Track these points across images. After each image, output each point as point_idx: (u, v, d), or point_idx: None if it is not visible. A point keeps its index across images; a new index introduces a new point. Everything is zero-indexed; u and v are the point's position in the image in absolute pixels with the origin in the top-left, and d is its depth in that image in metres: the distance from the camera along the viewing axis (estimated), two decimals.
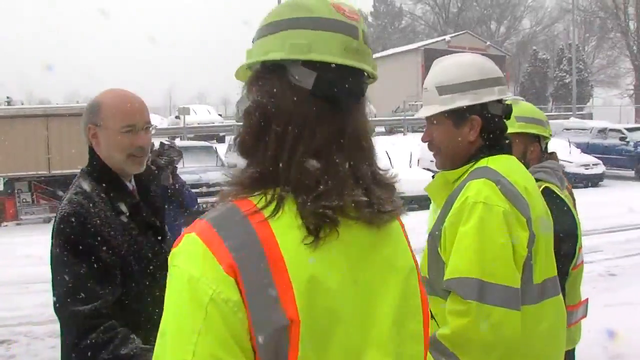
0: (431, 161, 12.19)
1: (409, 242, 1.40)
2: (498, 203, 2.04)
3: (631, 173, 23.71)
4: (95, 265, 2.06)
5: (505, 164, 2.18)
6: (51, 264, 2.15)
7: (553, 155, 3.13)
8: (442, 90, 2.23)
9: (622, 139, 24.04)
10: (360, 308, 1.22)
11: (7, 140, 15.18)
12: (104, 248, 2.09)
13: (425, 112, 2.29)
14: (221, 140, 30.55)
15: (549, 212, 2.30)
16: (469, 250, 2.03)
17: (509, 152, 2.27)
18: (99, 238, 2.09)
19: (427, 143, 2.31)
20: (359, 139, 1.27)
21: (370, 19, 79.72)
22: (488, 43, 57.99)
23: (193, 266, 1.13)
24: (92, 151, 2.31)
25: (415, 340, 1.33)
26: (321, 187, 1.18)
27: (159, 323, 1.18)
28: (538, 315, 2.12)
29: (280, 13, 1.29)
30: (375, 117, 39.11)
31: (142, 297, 2.17)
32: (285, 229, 1.16)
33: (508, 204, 2.05)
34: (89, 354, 2.02)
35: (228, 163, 17.89)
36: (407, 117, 37.04)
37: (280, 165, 1.20)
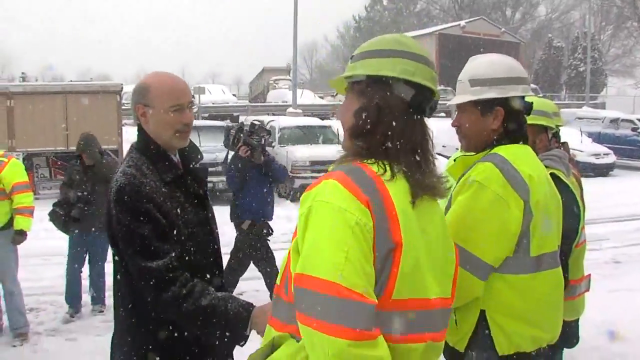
0: (443, 146, 12.43)
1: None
2: (492, 186, 2.37)
3: None
4: (155, 226, 2.33)
5: (515, 153, 2.49)
6: (111, 232, 2.42)
7: (565, 146, 3.42)
8: (474, 83, 2.57)
9: (634, 129, 24.00)
10: (427, 242, 1.80)
11: (26, 116, 15.47)
12: (158, 212, 2.35)
13: (457, 100, 2.63)
14: (235, 120, 30.59)
15: (558, 198, 2.62)
16: (453, 216, 2.43)
17: (525, 143, 2.59)
18: (152, 204, 2.35)
19: (455, 127, 2.66)
20: (431, 141, 1.89)
21: (385, 2, 79.33)
22: (503, 29, 57.64)
23: (340, 201, 1.66)
24: (140, 128, 2.56)
25: (451, 263, 1.94)
26: (425, 169, 1.82)
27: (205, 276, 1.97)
28: (533, 284, 2.43)
29: (385, 44, 1.89)
30: None
31: (190, 255, 2.43)
32: (397, 190, 1.73)
33: (506, 187, 2.36)
34: (172, 305, 2.30)
35: None
36: None
37: (390, 147, 1.78)
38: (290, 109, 26.72)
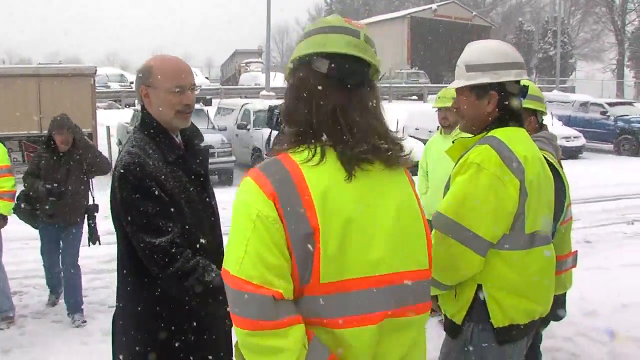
0: (416, 129, 12.75)
1: (412, 183, 1.94)
2: (490, 167, 2.51)
3: (610, 147, 24.18)
4: (158, 204, 2.43)
5: (511, 135, 2.63)
6: (115, 210, 2.51)
7: (544, 127, 3.58)
8: (469, 68, 2.71)
9: (602, 113, 24.44)
10: (368, 218, 1.75)
11: None
12: (161, 191, 2.45)
13: (454, 84, 2.78)
14: (208, 103, 30.45)
15: (550, 177, 2.77)
16: (452, 195, 2.58)
17: (521, 125, 2.74)
18: (155, 182, 2.45)
19: (456, 109, 2.83)
20: (367, 108, 1.82)
21: None
22: (474, 13, 57.99)
23: (247, 196, 1.73)
24: (144, 109, 2.66)
25: (418, 233, 1.88)
26: (352, 139, 1.75)
27: (203, 252, 2.15)
28: (528, 259, 2.59)
29: (310, 27, 1.91)
30: None
31: (190, 234, 2.53)
32: (320, 172, 1.72)
33: (503, 168, 2.51)
34: (176, 280, 2.39)
35: (218, 126, 18.12)
36: (392, 85, 37.15)
37: (314, 122, 1.78)
38: (264, 92, 26.70)
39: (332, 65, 1.80)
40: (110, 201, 2.55)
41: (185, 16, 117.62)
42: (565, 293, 3.63)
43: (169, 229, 2.43)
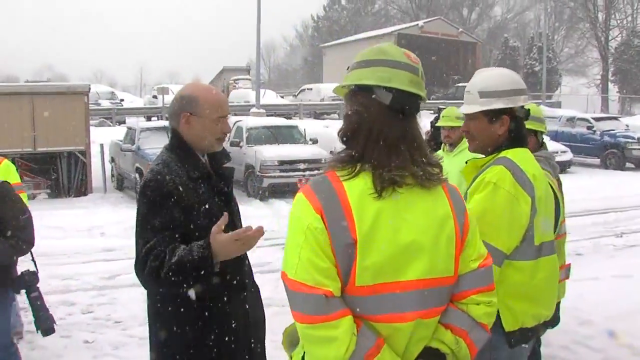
0: None
1: (449, 197, 2.13)
2: (505, 186, 2.75)
3: (597, 161, 24.49)
4: (163, 219, 2.64)
5: (520, 156, 2.89)
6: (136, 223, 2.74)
7: (543, 146, 3.82)
8: (483, 94, 2.93)
9: (589, 128, 24.74)
10: (401, 230, 1.98)
11: None
12: (177, 207, 2.68)
13: (468, 109, 2.99)
14: None
15: (552, 193, 3.05)
16: (471, 212, 2.74)
17: (525, 146, 2.98)
18: (172, 199, 2.67)
19: (464, 132, 3.04)
20: (415, 136, 2.09)
21: (343, 1, 79.77)
22: (460, 29, 58.51)
23: (299, 211, 2.01)
24: (175, 131, 2.89)
25: (446, 245, 2.06)
26: (392, 164, 1.99)
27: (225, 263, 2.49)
28: (536, 268, 2.85)
29: (370, 55, 2.12)
30: None
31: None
32: (355, 186, 1.98)
33: (516, 186, 2.76)
34: (152, 278, 2.59)
35: None
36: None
37: (369, 150, 2.01)
38: (254, 109, 26.86)
39: (395, 98, 2.04)
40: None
41: (172, 32, 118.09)
42: (560, 302, 3.82)
43: (155, 236, 2.62)
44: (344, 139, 2.10)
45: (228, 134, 3.02)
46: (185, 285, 2.62)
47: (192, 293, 2.65)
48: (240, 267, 2.92)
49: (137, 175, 15.25)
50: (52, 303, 7.16)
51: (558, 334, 5.04)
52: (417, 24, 57.15)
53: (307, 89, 42.30)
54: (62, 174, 16.60)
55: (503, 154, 2.90)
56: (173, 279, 2.55)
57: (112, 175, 18.46)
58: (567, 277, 3.84)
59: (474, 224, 2.19)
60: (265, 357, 3.06)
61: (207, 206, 2.79)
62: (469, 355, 2.11)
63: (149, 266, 2.56)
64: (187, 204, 2.71)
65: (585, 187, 16.75)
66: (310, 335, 1.95)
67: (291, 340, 2.22)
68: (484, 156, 3.00)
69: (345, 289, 1.96)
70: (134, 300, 7.38)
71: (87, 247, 10.46)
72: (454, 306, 2.12)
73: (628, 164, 23.93)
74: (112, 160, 18.54)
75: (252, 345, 2.95)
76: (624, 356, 5.19)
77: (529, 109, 3.03)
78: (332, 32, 75.93)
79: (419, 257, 2.00)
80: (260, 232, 2.60)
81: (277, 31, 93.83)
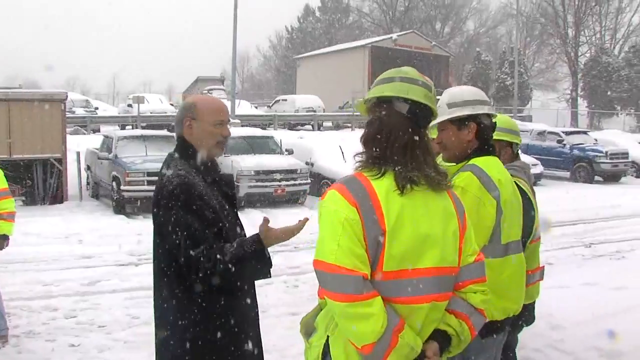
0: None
1: (453, 200, 2.46)
2: (472, 190, 3.02)
3: (567, 174, 25.03)
4: (201, 220, 2.77)
5: (487, 163, 3.16)
6: (161, 226, 2.84)
7: (518, 157, 4.07)
8: (450, 105, 3.22)
9: (559, 141, 25.26)
10: (420, 224, 2.29)
11: None
12: (207, 209, 2.82)
13: (438, 120, 3.21)
14: (172, 130, 30.14)
15: (519, 197, 3.32)
16: None
17: (494, 154, 3.25)
18: (201, 201, 2.81)
19: (438, 143, 3.28)
20: (427, 144, 2.41)
21: (317, 13, 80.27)
22: (433, 43, 59.25)
23: (335, 205, 2.28)
24: (182, 139, 3.03)
25: (452, 240, 2.39)
26: (409, 165, 2.31)
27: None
28: (503, 265, 3.14)
29: (391, 73, 2.48)
30: (324, 112, 39.72)
31: (228, 241, 2.87)
32: (382, 185, 2.28)
33: (482, 190, 3.03)
34: (208, 277, 2.69)
35: None
36: (355, 114, 37.59)
37: (388, 151, 2.33)
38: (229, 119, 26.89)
39: (411, 108, 2.37)
40: (154, 216, 2.89)
41: (146, 42, 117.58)
42: (534, 302, 4.05)
43: (205, 240, 2.75)
44: (365, 142, 2.41)
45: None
46: (240, 280, 2.83)
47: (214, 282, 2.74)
48: None
49: (114, 183, 15.23)
50: (35, 308, 7.36)
51: (531, 337, 5.30)
52: (391, 37, 57.78)
53: (282, 100, 42.52)
54: (38, 182, 16.52)
55: (472, 161, 3.16)
56: (229, 276, 2.71)
57: (88, 183, 18.42)
58: (542, 279, 4.07)
59: (470, 225, 2.49)
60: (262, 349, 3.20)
61: (224, 209, 2.97)
62: (470, 337, 2.42)
63: (204, 267, 2.68)
64: (213, 207, 2.86)
65: (555, 199, 17.12)
66: (350, 313, 2.18)
67: (307, 329, 2.53)
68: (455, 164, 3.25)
69: (372, 273, 2.23)
70: (117, 306, 7.53)
71: (65, 254, 10.50)
72: (455, 294, 2.43)
73: (597, 177, 24.54)
74: (88, 168, 18.48)
75: (258, 339, 3.12)
76: (592, 358, 5.45)
77: (495, 121, 3.30)
78: (305, 44, 76.38)
79: (433, 247, 2.31)
80: (305, 221, 2.81)
81: (251, 42, 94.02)
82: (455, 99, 3.24)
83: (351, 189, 2.28)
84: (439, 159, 5.25)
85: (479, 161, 3.14)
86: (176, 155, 3.02)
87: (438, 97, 2.81)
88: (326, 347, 2.39)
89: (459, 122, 3.19)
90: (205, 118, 2.99)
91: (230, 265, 2.69)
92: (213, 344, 2.88)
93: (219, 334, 2.88)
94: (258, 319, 3.15)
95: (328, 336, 2.38)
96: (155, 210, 2.88)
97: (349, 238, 2.20)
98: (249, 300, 3.04)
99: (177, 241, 2.76)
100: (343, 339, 2.31)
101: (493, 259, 3.03)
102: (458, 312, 2.41)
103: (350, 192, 2.27)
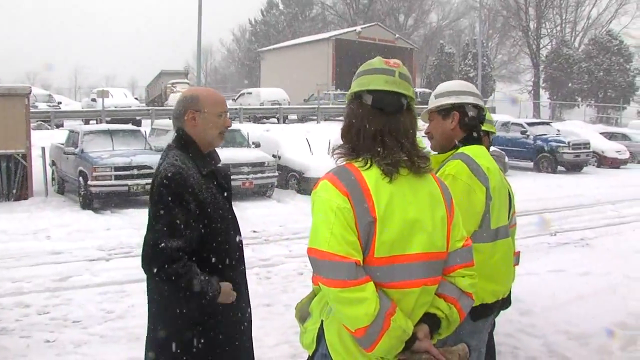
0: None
1: (440, 186, 2.54)
2: (463, 177, 3.11)
3: (530, 164, 25.45)
4: (186, 213, 2.85)
5: (476, 151, 3.26)
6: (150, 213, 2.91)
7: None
8: (437, 96, 3.37)
9: (523, 132, 25.62)
10: (408, 210, 2.36)
11: None
12: (195, 201, 2.89)
13: (425, 110, 3.37)
14: (137, 124, 29.93)
15: (506, 184, 3.45)
16: None
17: (480, 143, 3.36)
18: (192, 193, 2.88)
19: (427, 134, 3.41)
20: (400, 129, 2.44)
21: (281, 6, 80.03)
22: (397, 35, 59.54)
23: (327, 194, 2.34)
24: (181, 130, 3.10)
25: (441, 225, 2.46)
26: (382, 154, 2.38)
27: (229, 250, 2.92)
28: (493, 249, 3.23)
29: (359, 69, 2.56)
30: (289, 105, 39.71)
31: (218, 234, 3.00)
32: (371, 174, 2.35)
33: (472, 178, 3.12)
34: (173, 278, 2.81)
35: (155, 147, 18.20)
36: (321, 106, 37.72)
37: (359, 143, 2.43)
38: None
39: (374, 98, 2.45)
40: (149, 210, 2.95)
41: (107, 35, 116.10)
42: (510, 288, 4.18)
43: (184, 235, 2.83)
44: (341, 135, 2.52)
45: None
46: (184, 292, 2.88)
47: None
48: (241, 263, 3.21)
49: (80, 178, 15.08)
50: (6, 305, 7.30)
51: (503, 323, 5.45)
52: (355, 30, 57.92)
53: (247, 93, 42.38)
54: (2, 178, 16.24)
55: (461, 150, 3.26)
56: (180, 293, 2.86)
57: (53, 179, 18.17)
58: (517, 264, 4.19)
59: (457, 210, 2.56)
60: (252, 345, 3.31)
61: (217, 201, 3.04)
62: (459, 319, 2.51)
63: (175, 268, 2.78)
64: (202, 199, 2.93)
65: (520, 189, 17.28)
66: (344, 298, 2.25)
67: (302, 315, 2.61)
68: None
69: (364, 260, 2.30)
70: (90, 301, 7.48)
71: (34, 251, 10.37)
72: (444, 279, 2.49)
73: (560, 167, 24.99)
74: (53, 163, 18.21)
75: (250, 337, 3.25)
76: (561, 341, 5.65)
77: (484, 113, 3.41)
78: (269, 37, 76.12)
79: (422, 232, 2.38)
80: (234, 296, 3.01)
81: (213, 35, 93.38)
82: (442, 89, 3.40)
83: (342, 179, 2.35)
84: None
85: (468, 149, 3.25)
86: (174, 146, 3.08)
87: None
88: (320, 331, 2.47)
89: (445, 112, 3.32)
90: (209, 110, 3.08)
91: (187, 289, 2.83)
92: (208, 339, 2.97)
93: (214, 331, 2.98)
94: (251, 318, 3.25)
95: (322, 321, 2.46)
96: (150, 202, 2.97)
97: (341, 226, 2.27)
98: (243, 304, 3.17)
99: (157, 225, 2.84)
100: (337, 323, 2.38)
101: (483, 243, 3.14)
102: (447, 295, 2.48)
103: (342, 182, 2.34)
